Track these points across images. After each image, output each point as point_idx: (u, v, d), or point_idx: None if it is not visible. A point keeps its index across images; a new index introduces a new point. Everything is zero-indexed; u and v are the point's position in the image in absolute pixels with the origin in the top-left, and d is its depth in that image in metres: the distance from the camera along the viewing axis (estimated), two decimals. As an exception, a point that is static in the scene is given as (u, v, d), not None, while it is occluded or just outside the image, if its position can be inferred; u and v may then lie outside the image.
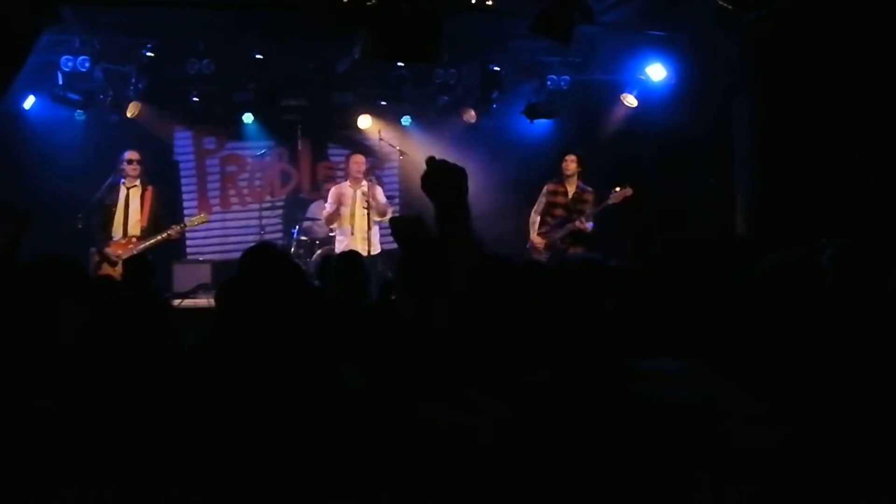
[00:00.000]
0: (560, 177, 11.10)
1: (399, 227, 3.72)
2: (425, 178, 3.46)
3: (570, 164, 11.00)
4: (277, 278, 3.51)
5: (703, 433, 2.34)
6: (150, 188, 10.57)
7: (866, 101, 9.31)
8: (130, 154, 10.51)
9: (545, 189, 11.08)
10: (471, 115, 13.60)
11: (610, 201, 10.82)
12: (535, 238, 10.97)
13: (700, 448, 2.31)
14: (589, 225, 10.82)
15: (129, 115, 12.24)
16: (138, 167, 10.51)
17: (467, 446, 2.45)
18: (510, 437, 2.43)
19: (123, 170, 10.44)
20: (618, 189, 10.81)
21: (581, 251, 10.40)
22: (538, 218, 11.07)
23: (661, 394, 2.52)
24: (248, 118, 13.45)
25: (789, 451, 2.29)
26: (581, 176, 11.12)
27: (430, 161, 3.47)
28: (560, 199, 10.99)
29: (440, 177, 3.48)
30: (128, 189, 10.46)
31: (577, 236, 10.83)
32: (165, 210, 10.87)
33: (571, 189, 11.03)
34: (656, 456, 2.31)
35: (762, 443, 2.32)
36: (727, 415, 2.40)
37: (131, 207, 10.44)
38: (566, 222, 10.87)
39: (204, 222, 11.54)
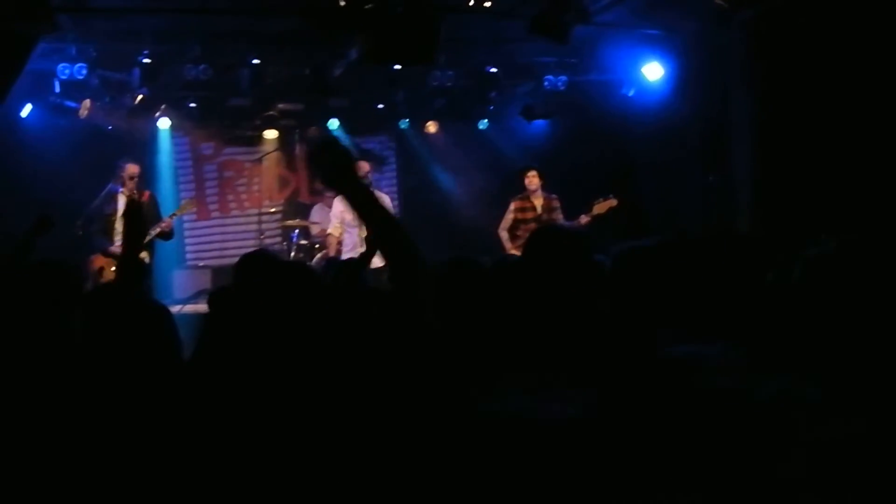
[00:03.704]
0: (524, 192, 11.12)
1: None
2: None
3: (534, 179, 11.07)
4: (281, 284, 3.48)
5: (776, 427, 2.30)
6: (146, 193, 10.54)
7: (863, 94, 9.29)
8: (132, 169, 10.38)
9: (511, 206, 11.07)
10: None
11: (594, 213, 10.83)
12: (515, 252, 10.89)
13: (773, 442, 2.28)
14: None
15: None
16: (139, 181, 10.47)
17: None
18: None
19: (124, 182, 10.36)
20: (600, 200, 10.82)
21: None
22: (506, 234, 11.09)
23: (726, 386, 2.50)
24: (245, 125, 13.52)
25: (865, 445, 2.24)
26: (543, 187, 11.16)
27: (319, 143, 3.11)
28: (529, 214, 11.01)
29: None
30: (127, 198, 10.39)
31: None
32: (160, 211, 10.77)
33: (538, 202, 11.07)
34: (729, 452, 2.29)
35: (835, 435, 2.26)
36: (797, 407, 2.36)
37: None
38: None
39: (192, 210, 11.35)
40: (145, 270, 8.14)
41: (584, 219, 10.82)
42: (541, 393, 2.66)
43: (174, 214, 10.70)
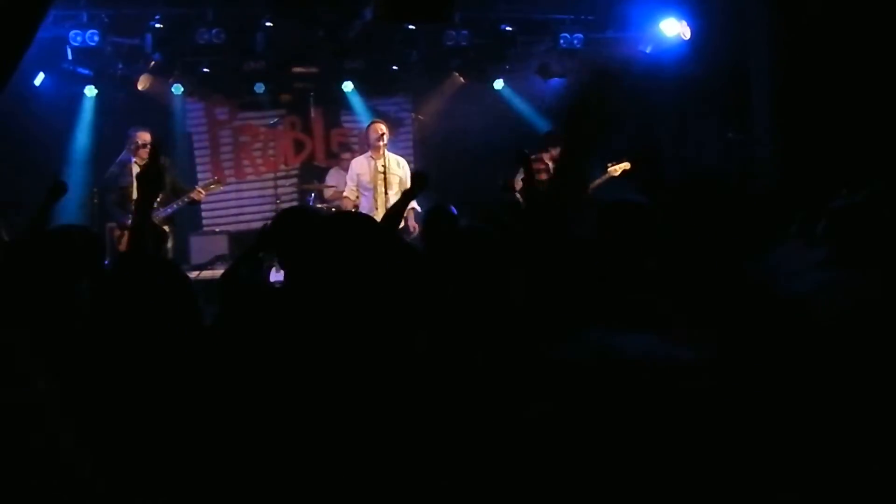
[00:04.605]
0: (538, 153, 10.95)
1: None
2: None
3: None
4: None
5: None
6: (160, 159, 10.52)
7: (884, 47, 9.17)
8: (143, 137, 10.36)
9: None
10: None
11: (607, 176, 10.75)
12: None
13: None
14: None
15: (140, 87, 12.16)
16: (151, 148, 10.45)
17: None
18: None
19: (136, 151, 10.35)
20: (614, 163, 10.75)
21: None
22: (518, 195, 10.93)
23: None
24: (259, 89, 13.39)
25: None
26: None
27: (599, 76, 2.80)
28: (542, 176, 10.83)
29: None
30: (140, 167, 10.40)
31: None
32: (176, 177, 10.80)
33: (549, 161, 10.89)
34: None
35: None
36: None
37: None
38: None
39: (218, 189, 11.40)
40: (164, 237, 8.17)
41: (595, 182, 10.74)
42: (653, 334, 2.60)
43: (207, 189, 10.77)
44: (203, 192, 10.68)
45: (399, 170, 10.46)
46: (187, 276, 3.38)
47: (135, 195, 10.17)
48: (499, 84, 13.96)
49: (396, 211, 5.74)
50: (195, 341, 3.15)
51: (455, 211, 6.19)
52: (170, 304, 3.24)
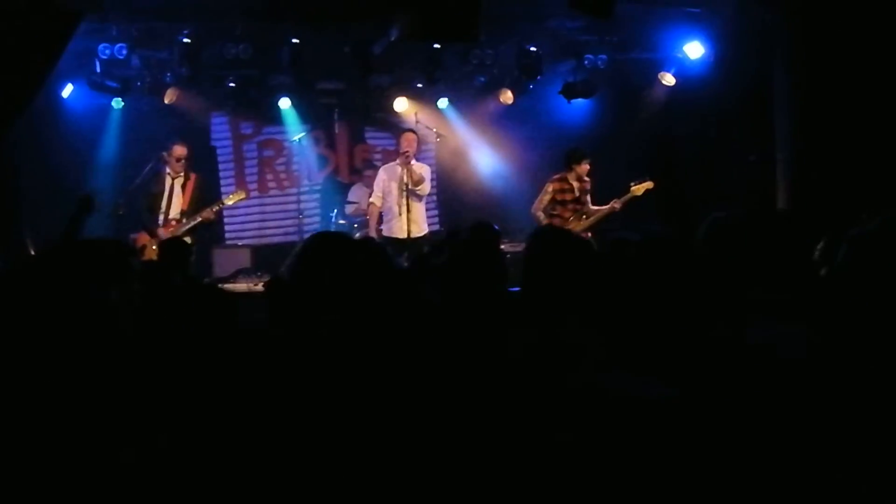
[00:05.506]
0: (563, 172, 10.91)
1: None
2: None
3: (586, 167, 10.85)
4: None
5: None
6: (193, 176, 10.62)
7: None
8: (179, 151, 10.49)
9: (549, 187, 10.78)
10: (507, 96, 13.50)
11: (630, 195, 10.75)
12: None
13: None
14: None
15: (166, 101, 12.25)
16: (186, 163, 10.57)
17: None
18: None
19: (168, 162, 10.47)
20: (637, 182, 10.75)
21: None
22: (542, 214, 10.84)
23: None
24: (284, 104, 13.43)
25: None
26: None
27: None
28: (568, 196, 10.79)
29: None
30: (173, 179, 10.51)
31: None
32: (206, 194, 10.90)
33: (576, 184, 10.84)
34: None
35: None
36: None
37: (175, 196, 10.49)
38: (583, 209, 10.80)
39: (242, 199, 11.45)
40: (189, 251, 8.29)
41: (616, 204, 10.71)
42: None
43: (223, 204, 10.86)
44: (219, 206, 10.75)
45: (423, 180, 10.66)
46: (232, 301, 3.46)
47: (164, 203, 10.44)
48: (521, 102, 13.96)
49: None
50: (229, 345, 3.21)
51: (497, 228, 6.23)
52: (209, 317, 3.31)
